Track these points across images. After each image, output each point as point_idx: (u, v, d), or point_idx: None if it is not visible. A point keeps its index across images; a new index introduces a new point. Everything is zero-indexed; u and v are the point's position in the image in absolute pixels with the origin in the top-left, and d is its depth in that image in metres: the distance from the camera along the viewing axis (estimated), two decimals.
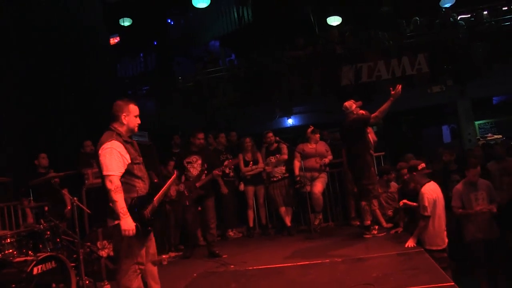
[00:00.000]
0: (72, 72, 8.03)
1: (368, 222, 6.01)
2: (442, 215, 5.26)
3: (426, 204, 5.10)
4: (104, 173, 3.43)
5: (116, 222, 3.41)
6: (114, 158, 3.44)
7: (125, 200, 3.41)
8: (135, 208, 3.46)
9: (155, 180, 3.82)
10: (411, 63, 10.31)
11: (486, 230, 5.71)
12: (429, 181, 5.32)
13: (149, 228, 3.57)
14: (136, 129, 3.70)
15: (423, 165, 5.38)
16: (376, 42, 10.95)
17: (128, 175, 3.50)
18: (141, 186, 3.58)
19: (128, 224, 3.39)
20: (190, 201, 6.03)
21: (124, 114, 3.61)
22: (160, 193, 3.75)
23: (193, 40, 15.92)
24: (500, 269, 5.78)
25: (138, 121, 3.70)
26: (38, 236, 4.65)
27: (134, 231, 3.41)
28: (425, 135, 12.98)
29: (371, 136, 6.58)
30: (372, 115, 5.90)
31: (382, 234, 6.02)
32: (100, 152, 3.48)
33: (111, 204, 3.40)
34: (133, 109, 3.66)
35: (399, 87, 5.54)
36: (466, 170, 5.82)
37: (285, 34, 12.35)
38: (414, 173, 5.42)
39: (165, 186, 3.92)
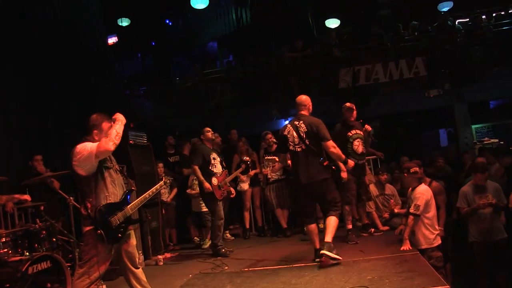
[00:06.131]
0: (69, 72, 8.01)
1: (350, 227, 6.11)
2: (435, 215, 5.36)
3: (420, 203, 5.19)
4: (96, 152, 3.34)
5: (88, 228, 3.41)
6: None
7: (93, 207, 3.39)
8: (105, 215, 3.41)
9: (133, 188, 3.78)
10: (409, 66, 10.31)
11: (488, 231, 5.67)
12: (420, 183, 5.44)
13: (118, 235, 3.49)
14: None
15: (416, 169, 5.52)
16: (374, 41, 10.94)
17: (98, 180, 3.45)
18: (111, 192, 3.49)
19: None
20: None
21: (96, 131, 3.55)
22: (137, 200, 3.70)
23: (191, 41, 15.92)
24: (501, 269, 5.73)
25: None
26: (34, 235, 4.65)
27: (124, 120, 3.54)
28: (422, 139, 13.00)
29: None
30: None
31: (379, 233, 6.15)
32: (74, 161, 3.38)
33: None
34: (106, 127, 3.57)
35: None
36: (473, 174, 5.82)
37: (283, 35, 12.35)
38: (406, 174, 5.57)
39: (145, 194, 3.80)
